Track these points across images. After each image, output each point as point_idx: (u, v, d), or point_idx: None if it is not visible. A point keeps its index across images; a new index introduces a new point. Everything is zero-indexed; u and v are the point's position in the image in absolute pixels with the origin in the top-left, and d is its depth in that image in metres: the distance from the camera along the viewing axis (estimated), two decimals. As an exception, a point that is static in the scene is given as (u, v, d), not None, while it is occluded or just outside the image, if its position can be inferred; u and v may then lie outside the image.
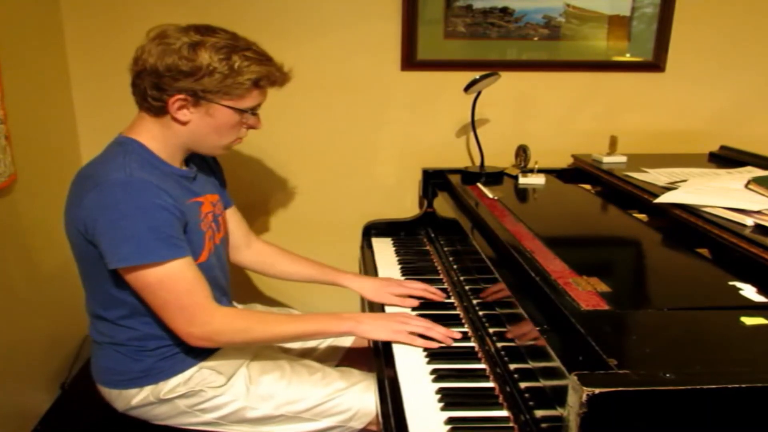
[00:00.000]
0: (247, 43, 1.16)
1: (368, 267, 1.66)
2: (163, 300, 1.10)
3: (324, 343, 1.52)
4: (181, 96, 1.11)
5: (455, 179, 1.82)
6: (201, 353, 1.24)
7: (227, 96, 1.13)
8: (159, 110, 1.14)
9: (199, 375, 1.23)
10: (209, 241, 1.25)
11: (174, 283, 1.09)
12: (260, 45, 1.20)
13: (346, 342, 1.53)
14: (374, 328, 1.22)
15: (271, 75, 1.16)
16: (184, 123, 1.15)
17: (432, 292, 1.42)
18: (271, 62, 1.18)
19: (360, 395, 1.25)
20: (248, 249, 1.51)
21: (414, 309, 1.38)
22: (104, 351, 1.25)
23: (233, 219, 1.47)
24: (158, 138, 1.17)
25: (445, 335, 1.21)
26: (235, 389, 1.23)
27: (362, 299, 1.53)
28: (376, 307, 1.41)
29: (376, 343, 1.25)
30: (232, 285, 1.42)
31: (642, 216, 1.43)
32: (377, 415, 1.14)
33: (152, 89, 1.11)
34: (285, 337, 1.27)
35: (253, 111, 1.20)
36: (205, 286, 1.14)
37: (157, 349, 1.21)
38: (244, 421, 1.24)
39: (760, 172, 1.51)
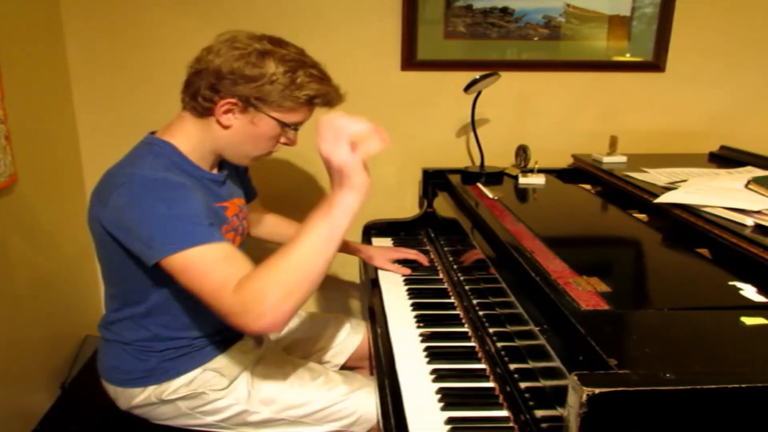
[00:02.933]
0: (313, 62, 1.16)
1: (368, 266, 1.65)
2: (198, 287, 0.99)
3: (327, 346, 1.53)
4: (233, 100, 1.10)
5: (455, 179, 1.82)
6: (205, 356, 1.24)
7: (279, 108, 1.13)
8: (205, 111, 1.13)
9: (201, 377, 1.23)
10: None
11: (204, 270, 0.99)
12: None
13: (351, 346, 1.53)
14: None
15: (328, 94, 1.16)
16: (225, 127, 1.14)
17: (421, 258, 1.64)
18: (331, 83, 1.18)
19: (362, 400, 1.25)
20: (261, 223, 1.58)
21: (414, 308, 1.38)
22: (111, 349, 1.25)
23: (253, 204, 1.52)
24: (193, 139, 1.17)
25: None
26: (236, 393, 1.23)
27: (360, 270, 1.66)
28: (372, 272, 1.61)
29: (376, 342, 1.25)
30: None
31: (642, 216, 1.43)
32: (378, 419, 1.15)
33: (206, 89, 1.11)
34: (320, 262, 1.00)
35: (296, 127, 1.19)
36: (238, 265, 1.01)
37: (163, 351, 1.21)
38: (246, 424, 1.24)
39: (760, 172, 1.51)
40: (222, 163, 1.27)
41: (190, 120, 1.16)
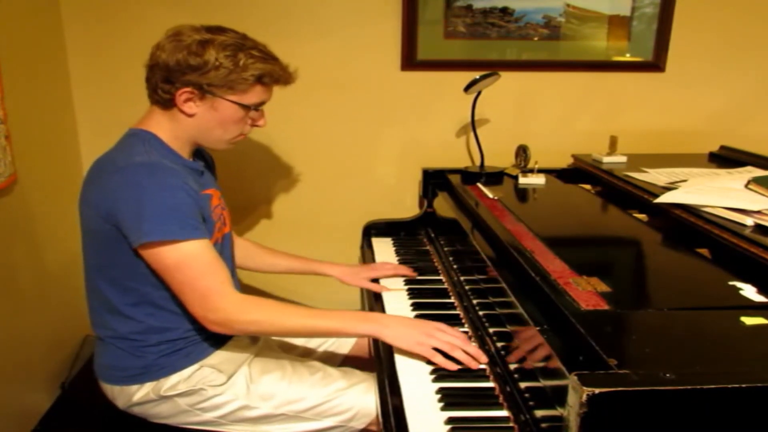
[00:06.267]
0: (254, 43, 1.21)
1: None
2: (179, 282, 1.12)
3: (324, 346, 1.53)
4: (188, 89, 1.16)
5: (455, 179, 1.82)
6: (202, 352, 1.25)
7: (231, 91, 1.18)
8: (167, 103, 1.19)
9: (199, 373, 1.24)
10: (218, 232, 1.28)
11: (190, 266, 1.11)
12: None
13: (346, 348, 1.53)
14: (399, 335, 1.15)
15: (274, 72, 1.21)
16: (190, 115, 1.20)
17: (403, 272, 1.54)
18: (276, 61, 1.23)
19: (361, 395, 1.25)
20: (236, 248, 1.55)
21: (414, 308, 1.38)
22: (107, 347, 1.26)
23: None
24: (168, 130, 1.22)
25: (468, 359, 1.12)
26: (235, 388, 1.24)
27: (361, 289, 1.59)
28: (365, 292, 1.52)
29: (376, 342, 1.24)
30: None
31: (642, 216, 1.43)
32: (378, 416, 1.15)
33: (162, 82, 1.17)
34: (300, 332, 1.24)
35: (257, 107, 1.24)
36: (222, 271, 1.14)
37: (158, 345, 1.22)
38: (245, 420, 1.24)
39: (760, 172, 1.51)
40: (197, 154, 1.33)
41: (159, 112, 1.22)
